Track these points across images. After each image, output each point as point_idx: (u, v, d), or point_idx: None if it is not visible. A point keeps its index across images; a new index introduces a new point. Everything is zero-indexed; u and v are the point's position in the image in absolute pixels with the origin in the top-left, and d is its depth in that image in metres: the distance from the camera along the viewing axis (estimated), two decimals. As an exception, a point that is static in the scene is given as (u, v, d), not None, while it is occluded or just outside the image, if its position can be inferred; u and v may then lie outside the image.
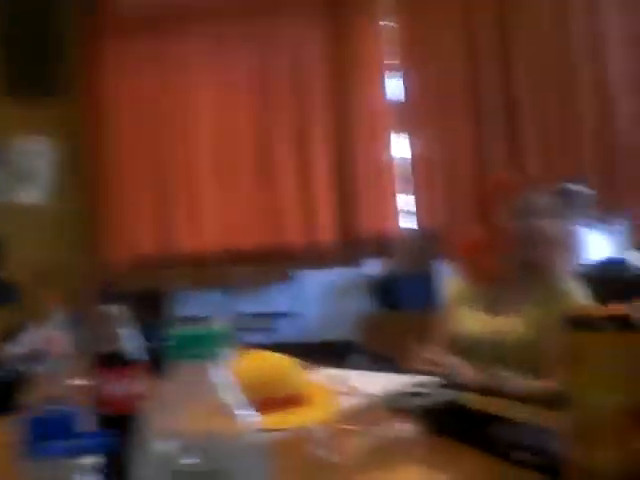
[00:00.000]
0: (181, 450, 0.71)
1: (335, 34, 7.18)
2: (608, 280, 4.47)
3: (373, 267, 6.93)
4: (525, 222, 2.44)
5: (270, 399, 1.84)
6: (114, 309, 1.53)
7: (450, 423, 1.64)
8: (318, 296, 7.09)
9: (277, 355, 1.99)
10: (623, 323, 1.04)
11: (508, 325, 2.46)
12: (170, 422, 0.73)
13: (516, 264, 2.50)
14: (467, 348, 2.53)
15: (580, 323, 1.07)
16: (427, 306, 5.48)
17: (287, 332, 6.92)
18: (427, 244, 6.93)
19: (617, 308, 1.14)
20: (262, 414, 1.80)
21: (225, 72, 7.46)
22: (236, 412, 0.76)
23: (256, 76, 7.39)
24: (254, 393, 1.82)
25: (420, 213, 7.04)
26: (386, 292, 6.56)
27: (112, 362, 1.49)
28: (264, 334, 6.74)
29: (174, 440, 0.72)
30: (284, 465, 1.55)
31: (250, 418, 0.77)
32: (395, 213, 7.11)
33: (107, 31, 7.70)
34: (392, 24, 7.14)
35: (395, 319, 3.75)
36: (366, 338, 3.33)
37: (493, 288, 2.54)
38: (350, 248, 7.16)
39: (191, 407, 0.75)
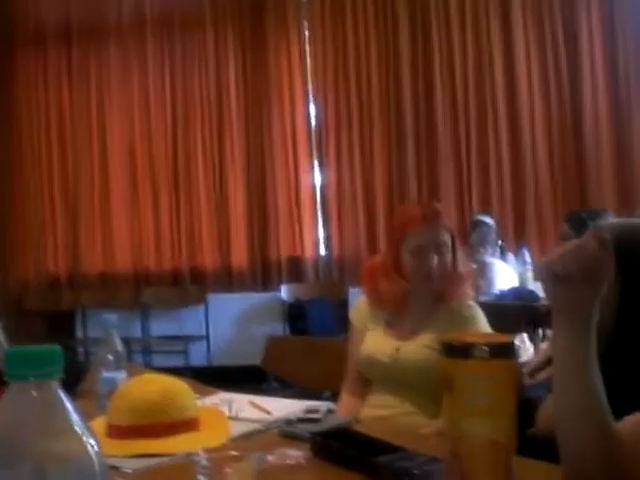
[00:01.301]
0: (15, 476, 0.68)
1: (252, 56, 7.21)
2: (515, 309, 4.57)
3: (286, 292, 6.93)
4: (426, 256, 2.47)
5: (159, 423, 1.81)
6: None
7: (339, 449, 1.63)
8: (231, 320, 7.04)
9: (168, 378, 1.95)
10: (494, 351, 1.04)
11: (406, 348, 2.48)
12: (6, 446, 0.70)
13: (415, 292, 2.53)
14: (367, 368, 2.54)
15: (452, 349, 1.07)
16: (337, 331, 5.52)
17: (199, 355, 6.84)
18: (340, 270, 6.99)
19: (499, 336, 1.15)
20: (151, 438, 1.77)
21: (140, 89, 7.40)
22: (77, 434, 0.73)
23: (171, 95, 7.36)
24: (144, 417, 1.80)
25: (333, 240, 7.09)
26: (298, 317, 6.55)
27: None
28: (176, 357, 6.67)
29: (9, 465, 0.69)
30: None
31: (93, 441, 0.74)
32: (309, 239, 7.14)
33: (20, 45, 7.56)
34: (308, 49, 7.18)
35: (304, 343, 3.73)
36: (274, 363, 3.30)
37: (393, 312, 2.56)
38: (264, 272, 7.16)
39: (29, 429, 0.71)
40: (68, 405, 0.74)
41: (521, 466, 1.13)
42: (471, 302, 2.58)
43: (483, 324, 2.51)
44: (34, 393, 0.72)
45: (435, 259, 2.47)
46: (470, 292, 2.62)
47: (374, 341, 2.56)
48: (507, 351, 1.09)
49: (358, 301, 2.74)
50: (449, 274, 2.51)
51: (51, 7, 7.53)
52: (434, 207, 2.65)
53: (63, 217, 7.55)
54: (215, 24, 7.31)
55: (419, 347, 2.47)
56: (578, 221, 3.29)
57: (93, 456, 0.74)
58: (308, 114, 7.23)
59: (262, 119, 7.20)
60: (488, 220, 5.63)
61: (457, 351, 1.06)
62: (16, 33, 7.55)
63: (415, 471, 1.40)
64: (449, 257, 2.51)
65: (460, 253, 2.58)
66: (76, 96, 7.54)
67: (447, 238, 2.52)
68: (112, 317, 2.16)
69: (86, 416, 0.77)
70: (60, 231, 7.54)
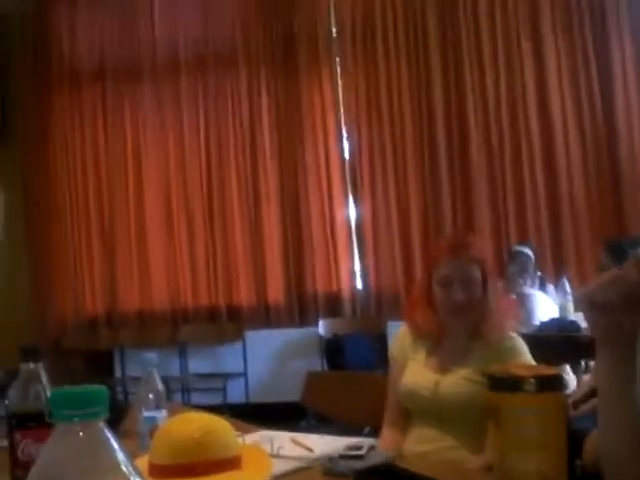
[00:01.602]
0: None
1: (285, 92, 7.26)
2: (556, 341, 4.50)
3: (324, 327, 6.91)
4: (452, 287, 2.46)
5: (201, 462, 1.79)
6: (36, 367, 1.48)
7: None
8: (269, 356, 7.02)
9: (210, 416, 1.93)
10: (542, 384, 1.02)
11: (446, 382, 2.45)
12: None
13: (447, 324, 2.51)
14: (407, 399, 2.52)
15: (498, 382, 1.05)
16: (375, 366, 5.47)
17: (237, 392, 6.82)
18: (377, 304, 6.96)
19: (545, 368, 1.12)
20: (193, 477, 1.76)
21: (174, 128, 7.48)
22: (124, 474, 0.72)
23: (205, 133, 7.43)
24: (185, 455, 1.79)
25: (370, 274, 7.06)
26: (336, 352, 6.52)
27: (33, 422, 1.44)
28: (214, 394, 6.65)
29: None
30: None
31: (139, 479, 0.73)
32: (345, 273, 7.12)
33: (56, 84, 7.70)
34: (340, 83, 7.22)
35: (344, 379, 3.70)
36: (314, 399, 3.27)
37: (433, 342, 2.55)
38: (300, 308, 7.14)
39: (76, 469, 0.71)
40: (114, 444, 0.74)
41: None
42: (513, 334, 2.55)
43: (526, 356, 2.47)
44: (80, 434, 0.72)
45: (461, 293, 2.45)
46: (511, 324, 2.58)
47: (414, 374, 2.54)
48: (555, 384, 1.07)
49: (399, 331, 2.72)
50: (480, 309, 2.48)
51: (87, 47, 7.66)
52: (463, 238, 2.65)
53: (100, 256, 7.62)
54: (248, 62, 7.38)
55: (458, 380, 2.44)
56: (617, 250, 3.24)
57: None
58: (341, 148, 7.25)
59: (296, 154, 7.23)
60: (527, 250, 5.57)
61: (504, 384, 1.04)
62: (52, 73, 7.69)
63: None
64: (478, 291, 2.48)
65: (493, 287, 2.55)
66: (111, 135, 7.65)
67: (476, 271, 2.49)
68: (152, 356, 2.16)
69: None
70: (97, 270, 7.60)
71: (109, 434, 0.74)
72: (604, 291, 1.13)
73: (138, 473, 0.75)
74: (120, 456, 0.74)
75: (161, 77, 7.56)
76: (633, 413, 1.14)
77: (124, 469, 0.74)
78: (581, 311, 1.21)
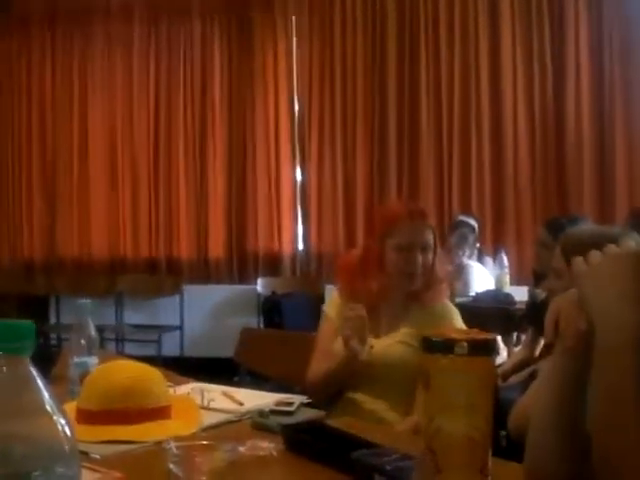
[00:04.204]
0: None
1: (238, 50, 7.19)
2: (490, 312, 4.58)
3: (263, 285, 6.91)
4: (412, 254, 2.46)
5: (130, 409, 1.79)
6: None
7: (311, 443, 1.62)
8: (206, 311, 7.01)
9: (141, 365, 1.92)
10: (474, 347, 1.03)
11: (380, 345, 2.47)
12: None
13: (393, 289, 2.52)
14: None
15: (431, 345, 1.06)
16: (312, 326, 5.50)
17: (172, 345, 6.80)
18: (317, 266, 6.98)
19: (480, 333, 1.13)
20: (121, 424, 1.75)
21: (123, 76, 7.36)
22: (47, 414, 0.71)
23: (155, 83, 7.32)
24: (114, 402, 1.78)
25: (311, 236, 7.08)
26: (273, 310, 6.53)
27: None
28: (148, 346, 6.63)
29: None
30: (133, 478, 1.51)
31: (64, 422, 0.72)
32: (287, 234, 7.13)
33: (5, 24, 7.49)
34: (295, 44, 7.16)
35: (278, 337, 3.71)
36: (247, 355, 3.28)
37: (369, 309, 2.55)
38: (240, 265, 7.14)
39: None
40: (39, 383, 0.72)
41: (492, 466, 1.12)
42: (446, 301, 2.58)
43: (458, 321, 2.51)
44: (4, 368, 0.70)
45: (420, 257, 2.47)
46: (446, 292, 2.62)
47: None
48: (487, 348, 1.08)
49: (332, 296, 2.72)
50: (428, 275, 2.51)
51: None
52: (420, 207, 2.66)
53: (40, 202, 7.49)
54: (202, 14, 7.27)
55: (393, 344, 2.47)
56: (556, 226, 3.28)
57: (63, 437, 0.72)
58: (292, 110, 7.20)
59: (245, 113, 7.18)
60: (470, 221, 5.63)
61: (436, 346, 1.05)
62: (0, 14, 7.46)
63: (388, 467, 1.39)
64: (431, 258, 2.51)
65: (440, 255, 2.58)
66: (58, 80, 7.49)
67: (431, 239, 2.51)
68: (86, 303, 2.14)
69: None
70: (36, 215, 7.48)
71: (34, 373, 0.72)
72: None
73: (63, 414, 0.74)
74: (45, 395, 0.72)
75: (113, 23, 7.40)
76: (565, 401, 1.17)
77: (48, 408, 0.72)
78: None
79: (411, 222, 2.50)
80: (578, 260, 1.13)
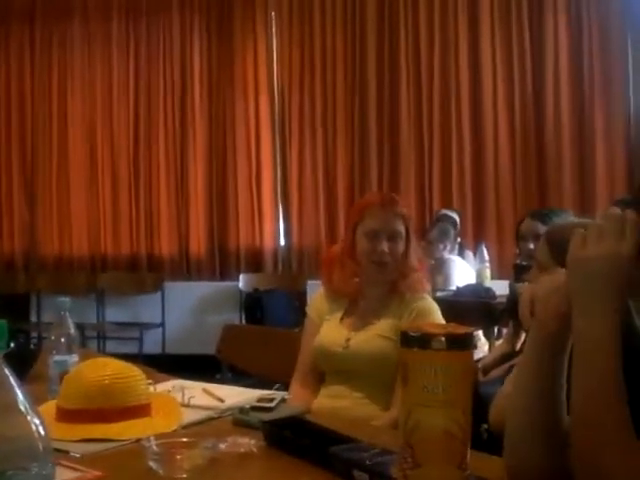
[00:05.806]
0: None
1: (218, 44, 7.18)
2: (471, 306, 4.59)
3: (244, 282, 6.90)
4: (378, 240, 2.48)
5: (110, 408, 1.78)
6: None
7: (291, 439, 1.62)
8: (187, 308, 6.99)
9: (120, 363, 1.92)
10: (451, 342, 1.04)
11: (358, 338, 2.48)
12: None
13: (368, 281, 2.53)
14: (319, 356, 2.54)
15: (409, 339, 1.06)
16: (294, 323, 5.50)
17: (153, 343, 6.78)
18: (298, 262, 6.98)
19: (457, 327, 1.13)
20: (101, 423, 1.74)
21: (103, 72, 7.33)
22: (20, 412, 0.70)
23: (134, 79, 7.29)
24: (94, 401, 1.77)
25: (293, 231, 7.07)
26: (255, 307, 6.53)
27: None
28: (130, 344, 6.61)
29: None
30: (113, 476, 1.51)
31: (38, 421, 0.71)
32: (269, 230, 7.12)
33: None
34: (275, 39, 7.15)
35: (260, 333, 3.71)
36: (229, 351, 3.28)
37: (349, 302, 2.57)
38: (222, 262, 7.12)
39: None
40: (12, 382, 0.71)
41: (474, 460, 1.13)
42: (425, 294, 2.59)
43: (437, 317, 2.52)
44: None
45: (386, 245, 2.48)
46: (425, 285, 2.62)
47: (327, 332, 2.57)
48: (464, 343, 1.09)
49: (316, 293, 2.74)
50: (401, 265, 2.51)
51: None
52: (392, 195, 2.67)
53: (20, 199, 7.44)
54: (182, 10, 7.24)
55: (371, 337, 2.48)
56: (541, 216, 3.32)
57: (37, 437, 0.71)
58: (272, 105, 7.18)
59: (225, 108, 7.16)
60: (452, 214, 5.64)
61: (414, 341, 1.06)
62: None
63: (367, 462, 1.39)
64: (402, 247, 2.52)
65: (414, 245, 2.58)
66: (37, 77, 7.44)
67: (401, 227, 2.52)
68: (66, 300, 2.13)
69: (37, 400, 0.74)
70: (16, 211, 7.44)
71: (7, 371, 0.71)
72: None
73: (37, 413, 0.73)
74: (19, 395, 0.72)
75: (92, 19, 7.36)
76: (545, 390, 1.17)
77: (22, 408, 0.71)
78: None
79: (381, 209, 2.52)
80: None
